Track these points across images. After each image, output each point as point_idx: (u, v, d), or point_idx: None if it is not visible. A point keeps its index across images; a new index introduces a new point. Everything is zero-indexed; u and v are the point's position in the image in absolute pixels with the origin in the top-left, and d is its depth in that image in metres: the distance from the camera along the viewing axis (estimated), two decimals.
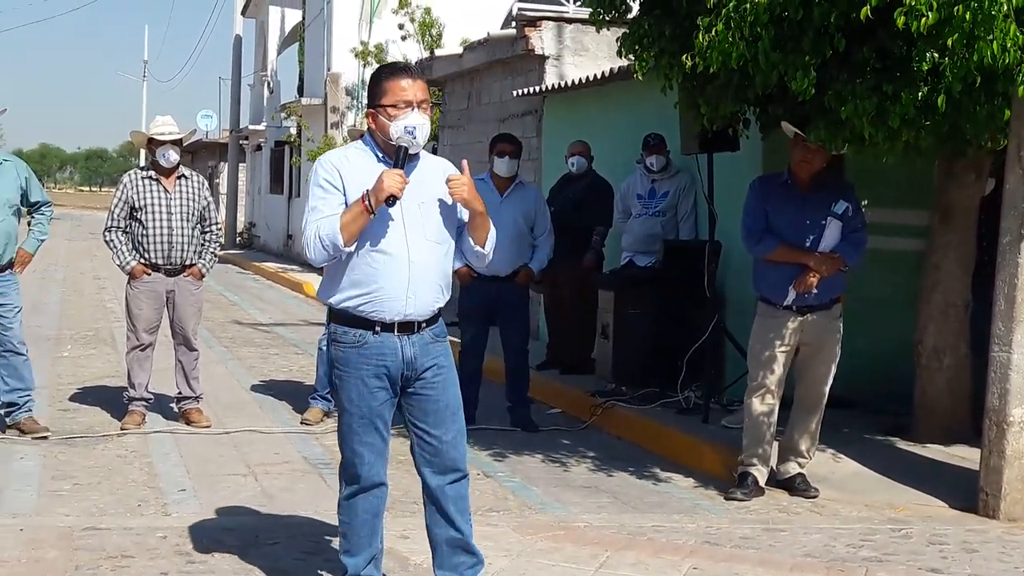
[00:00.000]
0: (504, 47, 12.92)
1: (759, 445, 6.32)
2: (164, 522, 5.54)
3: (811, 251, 6.16)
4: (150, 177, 7.61)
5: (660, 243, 8.90)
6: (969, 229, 7.02)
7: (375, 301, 4.12)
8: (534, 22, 12.35)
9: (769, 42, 5.48)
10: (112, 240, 7.58)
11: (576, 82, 10.95)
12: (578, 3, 17.35)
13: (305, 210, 4.18)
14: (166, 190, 7.58)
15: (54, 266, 21.14)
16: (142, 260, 7.57)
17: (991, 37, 4.99)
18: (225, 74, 33.36)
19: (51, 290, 17.12)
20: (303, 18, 26.34)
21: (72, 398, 8.67)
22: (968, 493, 6.13)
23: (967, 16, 4.94)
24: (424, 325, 4.20)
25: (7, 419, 7.35)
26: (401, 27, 19.88)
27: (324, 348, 7.87)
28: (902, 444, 7.13)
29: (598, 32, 7.38)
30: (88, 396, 8.73)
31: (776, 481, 6.45)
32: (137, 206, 7.53)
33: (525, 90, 12.16)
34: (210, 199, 7.83)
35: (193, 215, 7.64)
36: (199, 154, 39.37)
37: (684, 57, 5.89)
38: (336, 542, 4.68)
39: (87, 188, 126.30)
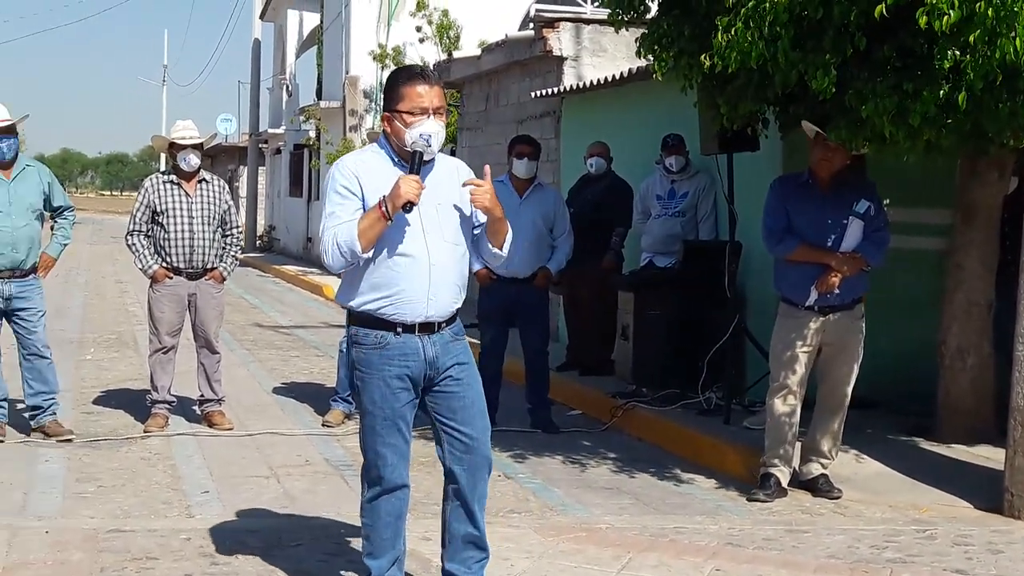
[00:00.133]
0: (522, 48, 12.92)
1: (781, 446, 6.30)
2: (188, 524, 5.57)
3: (833, 251, 6.13)
4: (171, 181, 7.64)
5: (680, 244, 8.88)
6: (992, 228, 6.98)
7: (396, 303, 4.13)
8: (552, 23, 12.36)
9: (788, 41, 5.46)
10: (134, 244, 7.62)
11: (594, 83, 10.94)
12: (596, 4, 17.34)
13: (323, 216, 4.18)
14: (187, 194, 7.61)
15: (76, 270, 21.25)
16: (164, 264, 7.61)
17: (1013, 34, 4.97)
18: (244, 78, 33.58)
19: (74, 294, 17.21)
20: (321, 21, 26.41)
21: (95, 401, 8.72)
22: (993, 493, 6.10)
23: (989, 13, 4.91)
24: (444, 325, 4.22)
25: (32, 422, 7.39)
26: (419, 29, 19.92)
27: (345, 350, 7.94)
28: (925, 444, 7.09)
29: (616, 33, 7.38)
30: (111, 399, 8.78)
31: (799, 482, 6.42)
32: (159, 210, 7.56)
33: (543, 91, 12.17)
34: (231, 203, 7.87)
35: (214, 219, 7.67)
36: (219, 158, 39.52)
37: (703, 57, 5.89)
38: (358, 543, 4.69)
39: (108, 192, 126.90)
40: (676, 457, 7.26)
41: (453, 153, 14.33)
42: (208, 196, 7.68)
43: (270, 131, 32.25)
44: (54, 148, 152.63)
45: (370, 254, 4.10)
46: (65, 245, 7.58)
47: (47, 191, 7.39)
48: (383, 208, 4.03)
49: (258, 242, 31.08)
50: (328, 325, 14.17)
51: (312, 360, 11.22)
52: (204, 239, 7.62)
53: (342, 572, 4.83)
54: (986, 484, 6.26)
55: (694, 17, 6.13)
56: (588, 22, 12.51)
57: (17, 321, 7.24)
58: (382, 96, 4.32)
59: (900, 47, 5.51)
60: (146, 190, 7.67)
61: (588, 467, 6.99)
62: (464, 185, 4.19)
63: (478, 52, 15.04)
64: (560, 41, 12.21)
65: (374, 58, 21.25)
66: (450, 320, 4.24)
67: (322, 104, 24.55)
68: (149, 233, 7.64)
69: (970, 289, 6.97)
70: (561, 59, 12.23)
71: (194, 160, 7.63)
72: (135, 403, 8.35)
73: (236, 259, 7.93)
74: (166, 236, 7.57)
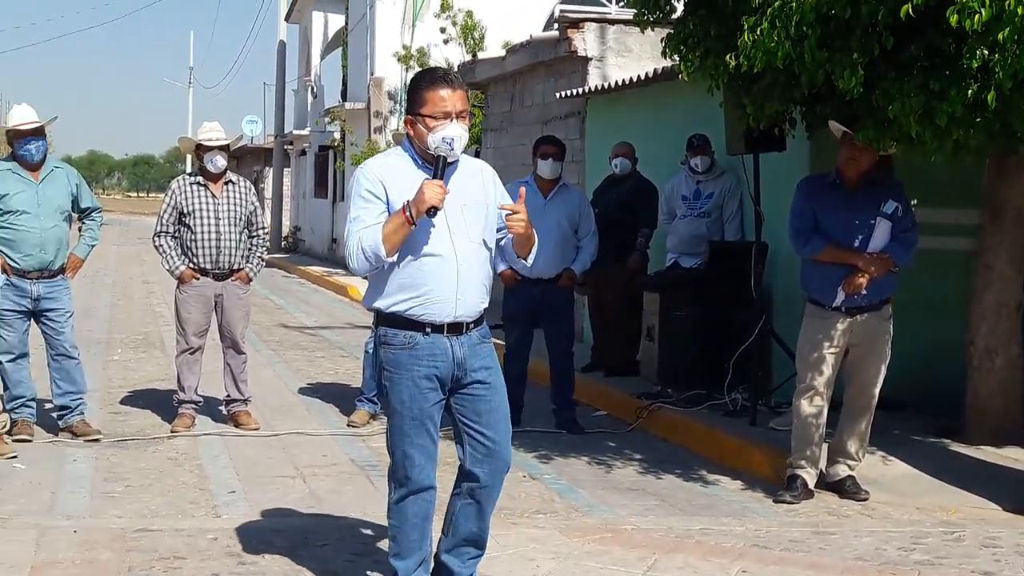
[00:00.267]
0: (547, 49, 12.92)
1: (808, 447, 6.27)
2: (215, 523, 5.59)
3: (860, 251, 6.10)
4: (198, 183, 7.68)
5: (705, 244, 8.86)
6: (1021, 228, 6.93)
7: (425, 304, 4.14)
8: (577, 24, 12.35)
9: (815, 41, 5.44)
10: (161, 245, 7.66)
11: (619, 83, 10.93)
12: (621, 4, 17.32)
13: (347, 219, 4.20)
14: (214, 195, 7.65)
15: (103, 271, 21.38)
16: (191, 265, 7.65)
17: None
18: (269, 79, 33.69)
19: (101, 295, 17.32)
20: (346, 23, 26.49)
21: (123, 401, 8.76)
22: (1021, 495, 6.06)
23: (1020, 11, 4.88)
24: (471, 326, 4.23)
25: (60, 422, 7.44)
26: (443, 30, 19.95)
27: (370, 351, 7.96)
28: (953, 446, 7.04)
29: (642, 32, 7.37)
30: (138, 399, 8.83)
31: (825, 484, 6.39)
32: (186, 211, 7.60)
33: (568, 92, 12.16)
34: (257, 204, 7.90)
35: (240, 220, 7.70)
36: (244, 159, 39.69)
37: (729, 57, 5.87)
38: (384, 543, 4.70)
39: (134, 194, 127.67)
40: (702, 458, 7.24)
41: (477, 154, 14.35)
42: (234, 197, 7.71)
43: (295, 132, 32.38)
44: (81, 150, 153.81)
45: (394, 258, 4.12)
46: (93, 246, 7.63)
47: (75, 192, 7.43)
48: (407, 213, 4.05)
49: (283, 243, 31.20)
50: (353, 326, 14.21)
51: (337, 361, 11.25)
52: (230, 240, 7.65)
53: (368, 572, 4.85)
54: (1015, 486, 6.22)
55: (720, 17, 6.12)
56: (613, 22, 12.50)
57: (45, 322, 7.29)
58: (406, 98, 4.32)
59: (927, 46, 5.48)
60: (173, 192, 7.72)
61: (613, 468, 6.97)
62: (500, 208, 4.24)
63: (503, 53, 15.05)
64: (585, 41, 12.20)
65: (399, 59, 21.29)
66: (477, 321, 4.26)
67: (347, 105, 24.63)
68: (176, 234, 7.68)
69: (999, 290, 6.93)
70: (586, 59, 12.22)
71: (221, 162, 7.66)
72: (162, 403, 8.39)
73: (262, 260, 7.96)
74: (193, 237, 7.61)
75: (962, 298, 7.28)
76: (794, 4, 5.37)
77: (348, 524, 5.60)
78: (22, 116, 7.20)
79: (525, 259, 4.39)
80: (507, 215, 4.21)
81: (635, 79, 10.53)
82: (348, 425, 8.02)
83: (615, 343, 9.66)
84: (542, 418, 8.03)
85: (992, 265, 6.95)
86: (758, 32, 5.51)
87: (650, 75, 10.15)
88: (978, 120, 5.44)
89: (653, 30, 7.11)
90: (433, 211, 4.05)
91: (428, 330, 4.16)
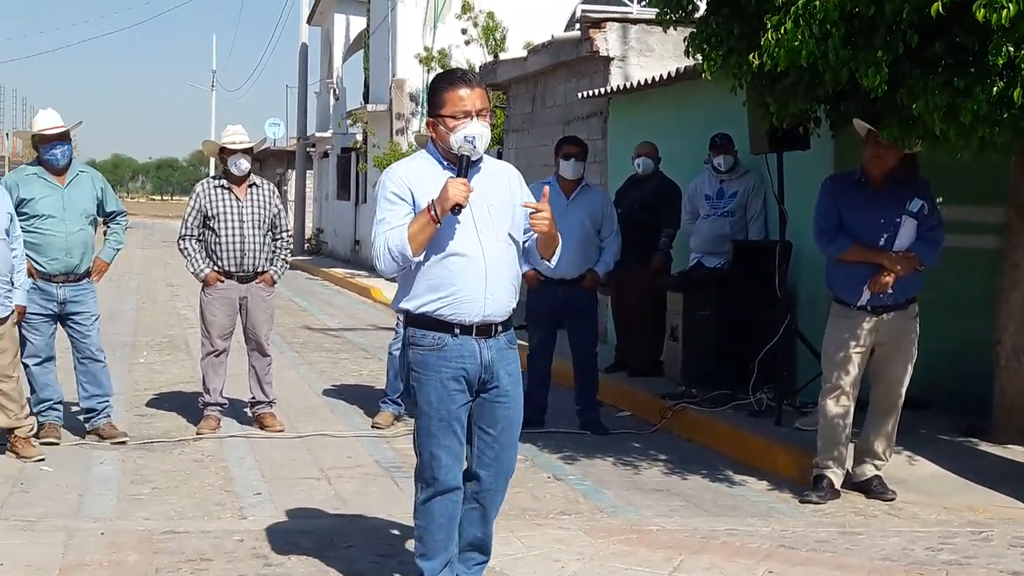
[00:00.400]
0: (568, 49, 12.90)
1: (834, 447, 6.24)
2: (241, 525, 5.62)
3: (886, 250, 6.07)
4: (222, 186, 7.71)
5: (729, 244, 8.83)
6: None
7: (454, 303, 4.15)
8: (598, 23, 12.33)
9: (839, 39, 5.42)
10: (186, 248, 7.70)
11: (641, 83, 10.90)
12: (643, 3, 17.28)
13: (373, 222, 4.23)
14: (238, 198, 7.68)
15: (128, 274, 21.49)
16: (215, 268, 7.68)
17: None
18: (292, 82, 33.78)
19: (126, 298, 17.41)
20: (368, 25, 26.54)
21: (149, 404, 8.81)
22: None
23: None
24: (500, 329, 4.24)
25: (86, 425, 7.48)
26: (464, 32, 19.97)
27: (394, 353, 7.98)
28: (981, 445, 7.01)
29: (664, 32, 7.35)
30: (164, 402, 8.87)
31: (852, 484, 6.36)
32: (210, 214, 7.63)
33: (590, 92, 12.14)
34: (281, 206, 7.92)
35: (264, 222, 7.73)
36: (267, 162, 39.82)
37: (752, 56, 5.85)
38: (410, 544, 4.71)
39: (158, 197, 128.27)
40: (727, 459, 7.22)
41: (500, 155, 14.36)
42: (258, 200, 7.74)
43: (317, 135, 32.47)
44: (105, 153, 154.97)
45: (421, 258, 4.14)
46: (118, 250, 7.67)
47: (100, 196, 7.47)
48: (432, 211, 4.07)
49: (306, 245, 31.30)
50: (376, 328, 14.24)
51: (361, 362, 11.27)
52: (255, 243, 7.68)
53: (394, 573, 4.86)
54: None
55: (743, 15, 6.10)
56: (635, 22, 12.47)
57: (71, 325, 7.33)
58: (427, 101, 4.35)
59: (952, 43, 5.45)
60: (197, 195, 7.75)
61: (638, 469, 6.96)
62: (523, 206, 4.25)
63: (524, 53, 15.04)
64: (607, 41, 12.18)
65: (420, 61, 21.32)
66: (505, 324, 4.27)
67: (369, 107, 24.68)
68: (201, 237, 7.71)
69: None
70: (608, 59, 12.20)
71: (244, 164, 7.69)
72: (187, 406, 8.43)
73: (286, 262, 7.98)
74: (217, 240, 7.64)
75: (988, 297, 7.23)
76: (818, 2, 5.35)
77: (373, 525, 5.61)
78: (48, 121, 7.25)
79: (549, 260, 4.40)
80: (531, 213, 4.22)
81: (657, 79, 10.50)
82: (372, 427, 8.03)
83: (639, 343, 9.64)
84: (566, 419, 8.02)
85: (1019, 263, 6.90)
86: (782, 31, 5.49)
87: (672, 75, 10.13)
88: (1004, 117, 5.40)
89: (675, 29, 7.09)
90: (458, 208, 4.07)
91: (457, 331, 4.18)
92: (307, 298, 18.55)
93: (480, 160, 4.26)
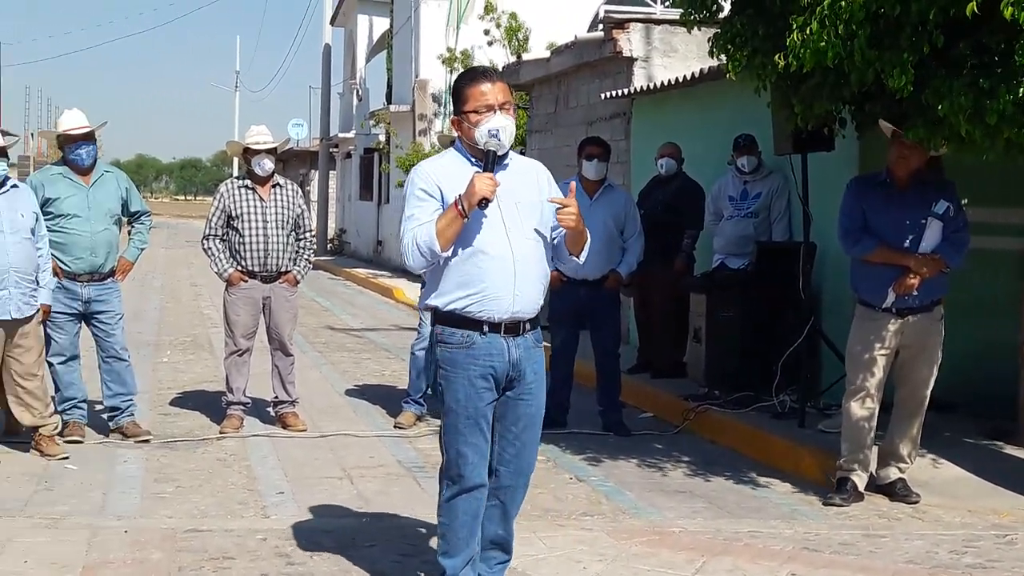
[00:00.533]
0: (592, 50, 12.88)
1: (859, 450, 6.21)
2: (263, 524, 5.63)
3: (911, 252, 6.04)
4: (246, 186, 7.73)
5: (753, 245, 8.80)
6: None
7: (483, 300, 4.17)
8: (622, 24, 12.30)
9: (865, 40, 5.39)
10: (210, 248, 7.73)
11: (665, 84, 10.88)
12: (667, 4, 17.25)
13: (402, 219, 4.25)
14: (262, 198, 7.70)
15: (152, 274, 21.60)
16: (239, 267, 7.70)
17: None
18: (315, 83, 33.92)
19: (150, 297, 17.49)
20: (391, 26, 26.58)
21: (172, 403, 8.85)
22: None
23: None
24: (528, 326, 4.25)
25: (110, 423, 7.52)
26: (487, 32, 19.97)
27: (416, 353, 7.98)
28: (1006, 448, 6.97)
29: (688, 32, 7.33)
30: (187, 400, 8.91)
31: (876, 486, 6.33)
32: (234, 214, 7.66)
33: (613, 92, 12.12)
34: (304, 207, 7.94)
35: (288, 223, 7.75)
36: (290, 162, 39.93)
37: (777, 56, 5.83)
38: (432, 544, 4.72)
39: (182, 197, 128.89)
40: (750, 460, 7.19)
41: (522, 155, 14.32)
42: (282, 200, 7.76)
43: (340, 135, 32.55)
44: (129, 154, 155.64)
45: (449, 253, 4.15)
46: (142, 249, 7.71)
47: (124, 196, 7.51)
48: (459, 206, 4.09)
49: (329, 245, 31.37)
50: (399, 328, 14.26)
51: (383, 362, 11.29)
52: (278, 243, 7.70)
53: (417, 572, 4.86)
54: None
55: (768, 16, 6.08)
56: (658, 22, 12.44)
57: (96, 324, 7.37)
58: (451, 99, 4.38)
59: (977, 44, 5.42)
60: (221, 195, 7.78)
61: (661, 470, 6.95)
62: (550, 201, 4.25)
63: (547, 54, 15.02)
64: (630, 42, 12.15)
65: (443, 62, 21.34)
66: (533, 322, 4.29)
67: (392, 108, 24.72)
68: (224, 237, 7.74)
69: None
70: (631, 60, 12.17)
71: (268, 165, 7.72)
72: (211, 405, 8.46)
73: (309, 262, 8.00)
74: (241, 240, 7.66)
75: (1014, 298, 7.18)
76: (843, 3, 5.32)
77: (396, 525, 5.62)
78: (73, 121, 7.29)
79: (578, 256, 4.39)
80: (557, 209, 4.22)
81: (681, 79, 10.48)
82: (395, 427, 8.04)
83: (661, 345, 9.62)
84: (588, 420, 8.01)
85: None
86: (808, 31, 5.47)
87: (696, 75, 10.10)
88: None
89: (699, 30, 7.08)
90: (484, 203, 4.08)
91: (485, 329, 4.19)
92: (329, 298, 18.60)
93: (507, 157, 4.28)
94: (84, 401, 7.43)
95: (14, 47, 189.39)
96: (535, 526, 5.51)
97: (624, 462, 7.10)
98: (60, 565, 4.90)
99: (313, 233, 8.11)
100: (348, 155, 32.81)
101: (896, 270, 6.03)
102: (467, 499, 4.27)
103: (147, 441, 7.37)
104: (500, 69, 16.12)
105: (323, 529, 5.51)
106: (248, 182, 7.75)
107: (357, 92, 31.57)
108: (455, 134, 4.37)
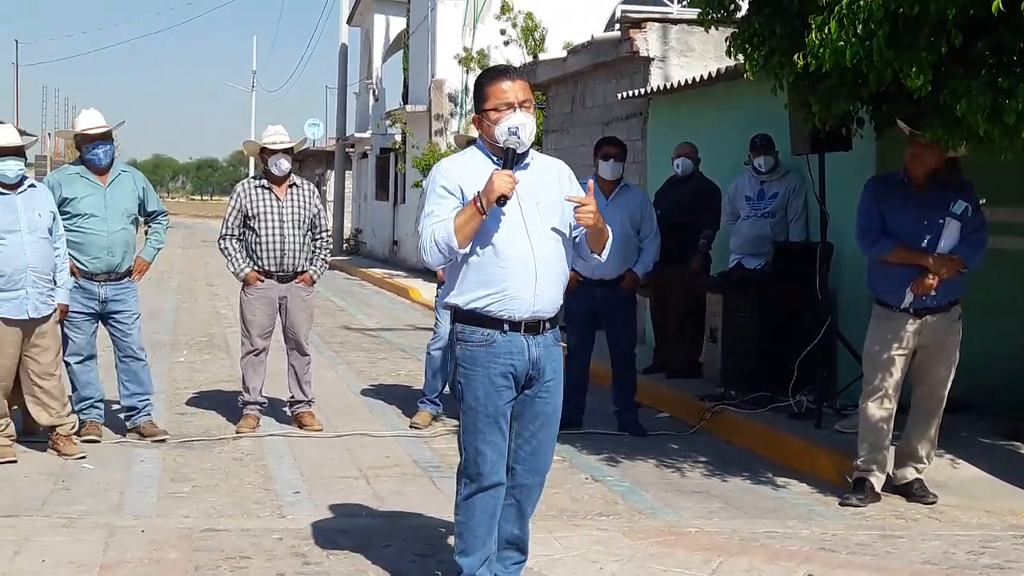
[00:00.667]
0: (608, 49, 12.87)
1: (876, 450, 6.19)
2: (280, 524, 5.64)
3: (929, 252, 6.01)
4: (263, 186, 7.75)
5: (770, 245, 8.78)
6: None
7: (504, 300, 4.18)
8: (638, 24, 12.28)
9: (884, 39, 5.37)
10: (226, 248, 7.74)
11: (682, 83, 10.86)
12: (684, 3, 17.22)
13: (421, 216, 4.26)
14: (278, 198, 7.72)
15: (169, 274, 21.67)
16: (256, 267, 7.72)
17: None
18: (331, 83, 33.98)
19: (167, 297, 17.55)
20: (407, 25, 26.61)
21: (189, 402, 8.87)
22: None
23: None
24: (548, 325, 4.27)
25: (127, 423, 7.55)
26: (503, 32, 19.97)
27: (432, 353, 7.99)
28: (1022, 448, 6.92)
29: (705, 32, 7.32)
30: (204, 400, 8.93)
31: (893, 487, 6.31)
32: (250, 214, 7.68)
33: (630, 92, 12.11)
34: (320, 207, 7.95)
35: (304, 222, 7.76)
36: (306, 162, 40.06)
37: (795, 56, 5.81)
38: (448, 543, 4.72)
39: (198, 197, 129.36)
40: (767, 461, 7.18)
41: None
42: (298, 200, 7.77)
43: (357, 135, 32.59)
44: (146, 154, 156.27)
45: (466, 250, 4.16)
46: (159, 249, 7.73)
47: (141, 196, 7.54)
48: (478, 203, 4.10)
49: (345, 245, 31.43)
50: (414, 328, 14.27)
51: (399, 362, 11.30)
52: (295, 243, 7.71)
53: (434, 571, 4.86)
54: None
55: (786, 16, 6.06)
56: (675, 22, 12.42)
57: (113, 324, 7.40)
58: (468, 99, 4.39)
59: (996, 44, 5.39)
60: (238, 195, 7.79)
61: (677, 470, 6.93)
62: (567, 199, 4.25)
63: (563, 54, 15.02)
64: (647, 42, 12.13)
65: (459, 62, 21.35)
66: (552, 321, 4.30)
67: (408, 108, 24.74)
68: (241, 237, 7.75)
69: None
70: (648, 60, 12.16)
71: (285, 165, 7.73)
72: (227, 404, 8.48)
73: (326, 262, 8.01)
74: (257, 240, 7.68)
75: None
76: (862, 2, 5.30)
77: (412, 525, 5.62)
78: (90, 120, 7.32)
79: (599, 255, 4.39)
80: (576, 207, 4.22)
81: (697, 79, 10.45)
82: (410, 427, 8.04)
83: (677, 345, 9.61)
84: (604, 420, 8.00)
85: None
86: (826, 31, 5.45)
87: (713, 75, 10.08)
88: None
89: (717, 29, 7.06)
90: (503, 200, 4.09)
91: (506, 327, 4.20)
92: (345, 298, 18.63)
93: (529, 156, 4.28)
94: (101, 401, 7.45)
95: (32, 46, 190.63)
96: (551, 526, 5.51)
97: (640, 462, 7.09)
98: (77, 564, 4.92)
99: (329, 233, 8.12)
100: (364, 155, 32.87)
101: (914, 270, 6.01)
102: (485, 497, 4.27)
103: (164, 441, 7.39)
104: (514, 65, 16.14)
105: (339, 529, 5.51)
106: (265, 182, 7.76)
107: (373, 92, 31.61)
108: (474, 133, 4.38)
